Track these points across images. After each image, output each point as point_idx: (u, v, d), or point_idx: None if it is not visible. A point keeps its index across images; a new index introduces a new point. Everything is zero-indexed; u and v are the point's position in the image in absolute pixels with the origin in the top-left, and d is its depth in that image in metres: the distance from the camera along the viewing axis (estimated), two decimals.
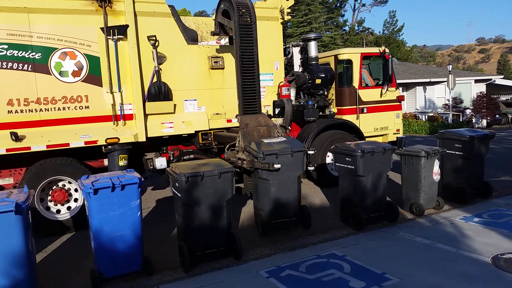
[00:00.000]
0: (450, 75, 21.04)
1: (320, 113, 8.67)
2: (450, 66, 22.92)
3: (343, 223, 6.09)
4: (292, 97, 8.40)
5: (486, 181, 7.22)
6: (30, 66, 5.90)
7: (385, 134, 9.42)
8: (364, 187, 5.86)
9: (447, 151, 6.89)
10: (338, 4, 46.27)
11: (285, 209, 5.47)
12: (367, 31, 47.57)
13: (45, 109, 6.02)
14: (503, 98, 35.92)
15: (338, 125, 8.58)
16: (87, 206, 4.38)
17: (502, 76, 38.80)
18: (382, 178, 6.03)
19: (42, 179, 6.04)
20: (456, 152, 6.92)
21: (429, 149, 6.37)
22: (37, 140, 5.90)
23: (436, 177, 6.42)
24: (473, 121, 25.72)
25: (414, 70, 30.03)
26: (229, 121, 7.35)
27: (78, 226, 6.20)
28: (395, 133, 9.46)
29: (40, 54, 5.95)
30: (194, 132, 7.07)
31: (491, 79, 30.66)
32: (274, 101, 7.50)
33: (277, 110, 7.40)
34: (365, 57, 9.09)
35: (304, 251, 4.99)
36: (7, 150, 5.73)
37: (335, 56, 9.05)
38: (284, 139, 5.67)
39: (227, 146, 6.62)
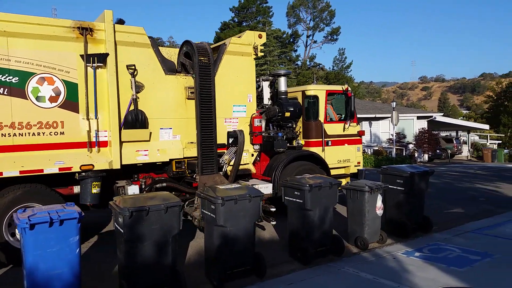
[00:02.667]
0: (394, 112, 22.19)
1: (288, 144, 8.99)
2: (394, 103, 24.22)
3: (291, 258, 6.11)
4: (262, 128, 8.64)
5: (426, 216, 7.56)
6: (6, 90, 5.78)
7: (348, 166, 9.83)
8: (311, 221, 5.95)
9: (390, 186, 7.19)
10: (291, 40, 47.98)
11: (241, 257, 5.23)
12: (318, 67, 49.43)
13: (19, 134, 5.88)
14: (443, 134, 38.28)
15: (306, 157, 8.93)
16: (22, 242, 4.11)
17: (442, 114, 41.51)
18: (329, 212, 6.17)
19: (14, 206, 5.80)
20: (398, 188, 7.23)
21: (372, 184, 6.62)
22: (9, 166, 5.72)
23: (379, 211, 6.64)
24: (416, 155, 27.08)
25: (361, 106, 31.42)
26: None
27: None
28: (356, 166, 9.91)
29: (17, 78, 5.85)
30: (168, 160, 7.11)
31: (432, 116, 32.70)
32: (228, 132, 7.70)
33: (230, 140, 7.63)
34: (329, 93, 9.60)
35: None
36: None
37: (303, 92, 9.50)
38: (240, 185, 5.66)
39: (186, 203, 6.96)
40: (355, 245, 6.61)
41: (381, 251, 6.36)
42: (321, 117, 9.35)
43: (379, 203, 6.63)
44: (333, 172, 9.35)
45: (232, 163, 7.57)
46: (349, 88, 9.71)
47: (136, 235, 4.38)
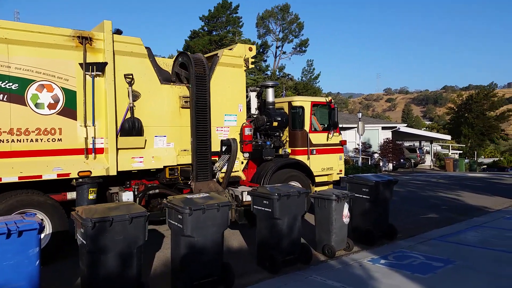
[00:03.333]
0: (360, 122, 22.67)
1: (275, 153, 9.29)
2: (360, 113, 24.79)
3: (260, 267, 6.07)
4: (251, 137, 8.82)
5: (391, 224, 7.72)
6: (5, 96, 5.86)
7: (330, 174, 10.20)
8: (280, 229, 5.96)
9: (356, 195, 7.32)
10: (261, 50, 48.38)
11: (208, 268, 5.14)
12: (287, 77, 49.96)
13: (17, 140, 5.96)
14: (407, 144, 39.45)
15: (292, 164, 9.21)
16: None
17: (406, 124, 42.78)
18: (297, 220, 6.19)
19: (12, 212, 5.73)
20: (364, 196, 7.37)
21: (339, 193, 6.72)
22: (7, 171, 5.78)
23: (346, 219, 6.74)
24: (381, 164, 27.73)
25: None
26: None
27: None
28: (338, 173, 10.27)
29: (17, 85, 5.93)
30: (162, 167, 7.27)
31: (396, 127, 33.61)
32: (221, 140, 7.96)
33: (224, 148, 7.88)
34: (314, 104, 9.99)
35: None
36: None
37: (289, 103, 9.86)
38: (208, 194, 5.62)
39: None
40: (323, 253, 6.66)
41: (348, 258, 6.43)
42: (307, 127, 9.73)
43: (346, 211, 6.72)
44: (317, 179, 9.66)
45: (224, 170, 7.82)
46: (332, 100, 10.25)
47: (99, 246, 4.25)
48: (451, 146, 46.84)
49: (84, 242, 4.23)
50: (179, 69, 7.70)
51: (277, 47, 51.69)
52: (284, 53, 52.49)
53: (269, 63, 50.10)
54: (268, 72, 48.00)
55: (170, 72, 7.94)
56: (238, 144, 8.06)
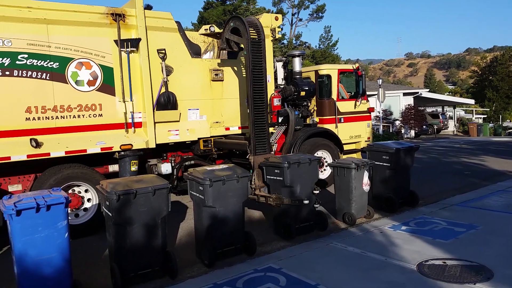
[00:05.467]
0: (380, 89, 22.24)
1: (303, 122, 9.36)
2: (380, 80, 24.30)
3: (277, 235, 6.16)
4: (280, 107, 8.95)
5: (412, 190, 7.67)
6: (48, 75, 6.11)
7: (358, 142, 10.25)
8: (293, 197, 5.97)
9: (376, 163, 7.27)
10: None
11: (231, 237, 5.27)
12: (304, 45, 49.05)
13: (61, 116, 6.24)
14: (429, 109, 38.69)
15: (321, 133, 9.27)
16: (9, 228, 4.09)
17: (428, 90, 41.82)
18: (311, 188, 6.21)
19: (61, 185, 6.12)
20: (384, 164, 7.31)
21: (358, 161, 6.70)
22: (55, 147, 6.10)
23: (366, 187, 6.73)
24: (402, 131, 27.32)
25: None
26: (227, 129, 7.97)
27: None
28: (366, 141, 10.28)
29: (57, 63, 6.17)
30: (197, 139, 7.57)
31: (418, 92, 32.87)
32: (278, 111, 8.23)
33: (280, 119, 8.05)
34: (341, 72, 9.96)
35: (241, 266, 4.99)
36: (28, 156, 5.86)
37: (316, 71, 9.85)
38: (228, 166, 5.68)
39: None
40: (343, 221, 6.71)
41: (368, 225, 6.47)
42: (334, 95, 9.74)
43: (366, 179, 6.71)
44: (345, 147, 9.72)
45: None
46: (360, 67, 10.19)
47: (125, 218, 4.38)
48: (475, 110, 45.69)
49: (110, 214, 4.38)
50: (231, 35, 7.35)
51: (293, 14, 50.43)
52: (301, 20, 51.21)
53: (285, 32, 49.05)
54: (285, 41, 47.16)
55: (199, 44, 7.99)
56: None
